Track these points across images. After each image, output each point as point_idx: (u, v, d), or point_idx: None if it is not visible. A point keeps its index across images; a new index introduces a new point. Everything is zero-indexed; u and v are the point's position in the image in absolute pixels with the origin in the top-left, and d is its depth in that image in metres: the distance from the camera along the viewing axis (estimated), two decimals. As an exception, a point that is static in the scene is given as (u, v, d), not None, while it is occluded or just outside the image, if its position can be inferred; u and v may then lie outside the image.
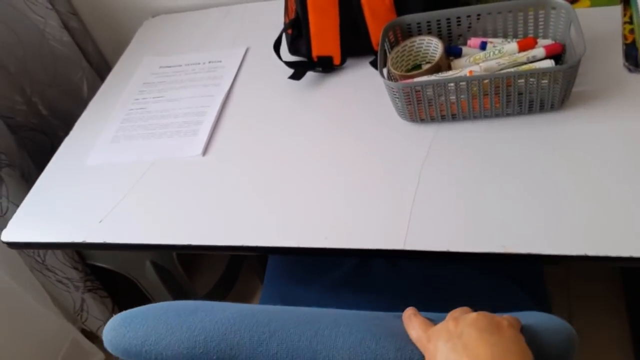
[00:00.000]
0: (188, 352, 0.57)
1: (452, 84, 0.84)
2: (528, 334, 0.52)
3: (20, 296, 1.28)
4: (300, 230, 0.82)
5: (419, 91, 0.85)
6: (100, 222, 0.92)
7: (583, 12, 0.95)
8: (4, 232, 0.96)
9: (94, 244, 0.90)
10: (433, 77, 0.86)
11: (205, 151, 0.97)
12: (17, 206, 1.14)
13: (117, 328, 0.59)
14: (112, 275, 1.35)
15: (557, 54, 0.88)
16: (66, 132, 1.43)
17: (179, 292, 1.37)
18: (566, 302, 1.35)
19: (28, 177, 1.23)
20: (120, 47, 1.45)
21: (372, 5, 0.93)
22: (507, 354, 0.48)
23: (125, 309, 1.50)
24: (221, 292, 1.50)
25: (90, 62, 1.41)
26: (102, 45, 1.46)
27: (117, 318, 0.60)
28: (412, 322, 0.55)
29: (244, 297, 1.55)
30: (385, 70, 0.91)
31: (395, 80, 0.90)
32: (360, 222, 0.80)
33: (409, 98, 0.86)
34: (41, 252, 1.25)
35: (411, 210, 0.80)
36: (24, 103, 1.35)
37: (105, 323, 1.39)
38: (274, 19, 1.18)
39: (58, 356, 1.40)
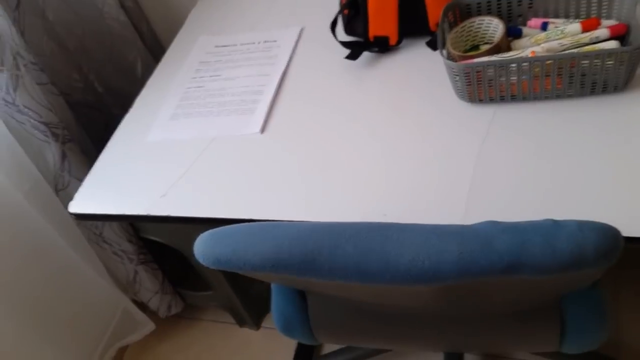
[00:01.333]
0: (274, 257, 0.63)
1: (514, 65, 0.83)
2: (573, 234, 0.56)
3: (78, 266, 1.33)
4: (359, 207, 0.83)
5: (480, 71, 0.85)
6: (162, 196, 0.95)
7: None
8: (71, 203, 1.00)
9: (156, 217, 0.93)
10: (495, 58, 0.86)
11: (263, 129, 0.99)
12: (79, 180, 1.19)
13: (207, 242, 0.67)
14: (163, 248, 1.39)
15: (621, 35, 0.87)
16: (120, 109, 1.47)
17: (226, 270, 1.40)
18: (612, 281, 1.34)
19: (87, 152, 1.27)
20: (173, 26, 1.47)
21: (433, -15, 0.93)
22: None
23: (175, 281, 1.54)
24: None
25: (145, 41, 1.44)
26: (156, 25, 1.49)
27: (206, 234, 0.68)
28: None
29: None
30: (444, 51, 0.91)
31: (454, 60, 0.90)
32: (419, 200, 0.82)
33: (469, 78, 0.86)
34: (99, 224, 1.30)
35: (469, 189, 0.80)
36: (80, 80, 1.39)
37: (155, 294, 1.44)
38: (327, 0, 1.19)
39: (111, 324, 1.46)
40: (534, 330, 0.84)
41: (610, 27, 0.87)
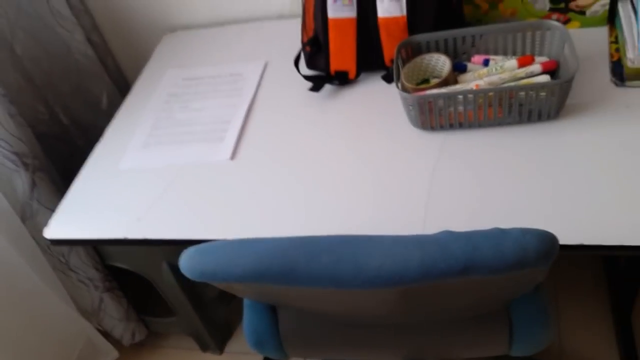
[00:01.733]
0: (254, 268, 0.70)
1: (461, 96, 0.94)
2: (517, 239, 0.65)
3: (43, 294, 1.34)
4: (325, 227, 0.91)
5: (431, 102, 0.95)
6: (138, 220, 1.00)
7: (574, 32, 1.06)
8: (46, 229, 1.03)
9: (134, 240, 0.98)
10: (444, 90, 0.96)
11: (232, 156, 1.06)
12: (48, 208, 1.22)
13: (192, 256, 0.73)
14: (127, 276, 1.42)
15: (552, 70, 0.99)
16: (85, 141, 1.51)
17: (192, 292, 1.44)
18: (552, 290, 1.45)
19: (54, 182, 1.30)
20: (137, 61, 1.54)
21: (388, 26, 1.04)
22: None
23: (140, 308, 1.56)
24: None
25: (110, 75, 1.50)
26: (121, 60, 1.55)
27: (191, 250, 0.74)
28: None
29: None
30: (399, 84, 1.01)
31: (408, 92, 1.00)
32: (382, 219, 0.90)
33: (422, 108, 0.96)
34: (65, 252, 1.32)
35: (426, 206, 0.89)
36: (46, 112, 1.43)
37: (120, 322, 1.46)
38: (287, 37, 1.29)
39: (74, 353, 1.47)
40: (485, 334, 0.93)
41: (542, 63, 0.99)
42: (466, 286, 0.75)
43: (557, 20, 1.11)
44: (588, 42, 1.07)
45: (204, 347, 1.55)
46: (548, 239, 0.67)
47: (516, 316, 0.91)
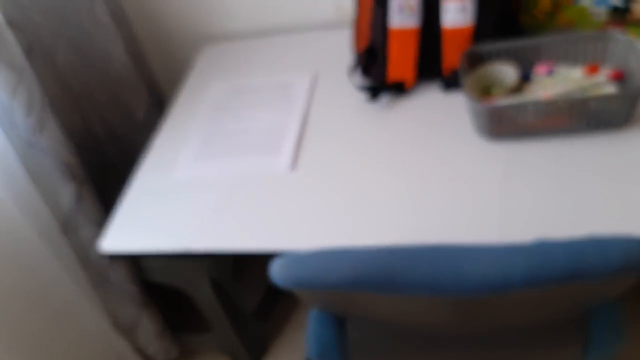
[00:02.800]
0: (352, 275, 0.69)
1: (532, 107, 0.93)
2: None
3: (80, 308, 1.31)
4: (384, 240, 0.89)
5: (503, 111, 0.94)
6: (198, 231, 0.97)
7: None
8: (103, 241, 1.01)
9: (197, 252, 0.95)
10: (517, 100, 0.96)
11: (291, 168, 1.04)
12: (91, 221, 1.19)
13: (285, 266, 0.72)
14: (163, 292, 1.39)
15: (618, 79, 0.99)
16: (118, 153, 1.49)
17: (231, 307, 1.41)
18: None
19: (95, 194, 1.27)
20: (173, 72, 1.52)
21: (452, 35, 1.03)
22: None
23: (175, 326, 1.52)
24: (269, 305, 1.56)
25: (146, 86, 1.48)
26: (157, 71, 1.53)
27: (282, 261, 0.72)
28: None
29: (290, 309, 1.60)
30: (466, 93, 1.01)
31: (474, 100, 0.99)
32: (452, 236, 0.88)
33: (492, 117, 0.95)
34: (104, 266, 1.29)
35: (499, 219, 0.88)
36: (81, 124, 1.40)
37: (156, 339, 1.43)
38: (334, 46, 1.28)
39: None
40: (559, 345, 0.91)
41: (609, 73, 0.99)
42: (557, 294, 0.73)
43: (614, 30, 1.11)
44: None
45: (239, 365, 1.52)
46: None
47: (594, 326, 0.89)
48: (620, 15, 1.10)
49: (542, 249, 0.68)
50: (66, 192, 1.16)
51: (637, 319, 1.38)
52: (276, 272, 0.72)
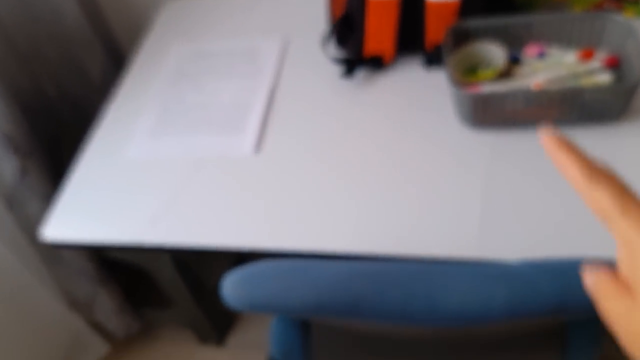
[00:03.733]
0: (314, 301, 0.61)
1: (521, 95, 0.85)
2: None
3: (30, 287, 1.23)
4: (365, 234, 0.82)
5: (488, 99, 0.85)
6: (152, 221, 0.89)
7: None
8: (46, 229, 0.91)
9: (150, 246, 0.87)
10: (505, 88, 0.87)
11: (255, 149, 0.95)
12: (40, 198, 1.10)
13: (238, 285, 0.64)
14: (122, 265, 1.32)
15: (613, 66, 0.90)
16: (74, 116, 1.37)
17: (193, 283, 1.35)
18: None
19: (44, 164, 1.17)
20: (133, 30, 1.39)
21: (437, 9, 0.93)
22: None
23: (136, 300, 1.46)
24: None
25: (103, 44, 1.35)
26: (115, 28, 1.39)
27: (236, 277, 0.64)
28: (600, 179, 0.33)
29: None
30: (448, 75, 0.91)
31: (459, 85, 0.90)
32: (429, 225, 0.81)
33: (476, 105, 0.87)
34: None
35: (480, 217, 0.81)
36: (30, 83, 1.28)
37: (114, 314, 1.36)
38: (311, 7, 1.16)
39: (63, 347, 1.36)
40: (538, 353, 0.87)
41: (604, 59, 0.90)
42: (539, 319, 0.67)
43: (610, 9, 1.01)
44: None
45: (203, 339, 1.47)
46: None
47: (573, 338, 0.84)
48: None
49: (527, 277, 0.61)
50: (8, 166, 1.06)
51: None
52: (228, 292, 0.64)
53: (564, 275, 0.60)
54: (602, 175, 0.33)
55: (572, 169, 0.34)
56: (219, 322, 1.46)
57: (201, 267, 1.38)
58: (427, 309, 0.60)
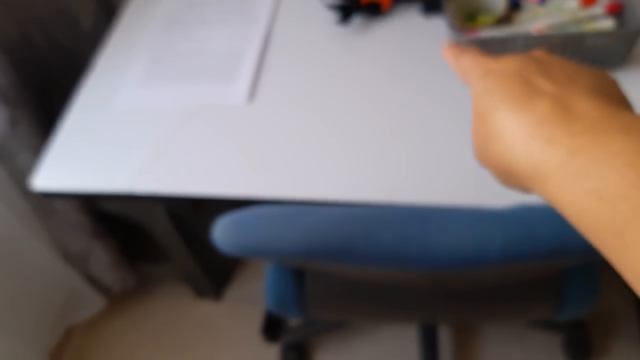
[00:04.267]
0: (305, 244, 0.61)
1: (521, 40, 0.82)
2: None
3: (23, 241, 1.22)
4: (364, 181, 0.81)
5: (488, 44, 0.83)
6: (143, 170, 0.87)
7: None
8: (36, 179, 0.90)
9: (142, 195, 0.86)
10: (504, 33, 0.84)
11: (249, 98, 0.93)
12: (31, 149, 1.08)
13: (230, 230, 0.63)
14: (118, 219, 1.31)
15: (615, 13, 0.88)
16: (64, 66, 1.34)
17: (189, 236, 1.34)
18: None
19: (35, 115, 1.15)
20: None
21: (436, -48, 0.90)
22: (618, 93, 0.33)
23: (132, 254, 1.45)
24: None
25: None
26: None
27: (227, 222, 0.63)
28: (465, 52, 0.39)
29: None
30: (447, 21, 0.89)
31: (458, 30, 0.88)
32: (428, 172, 0.80)
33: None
34: (49, 196, 1.19)
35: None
36: (19, 33, 1.25)
37: (110, 268, 1.36)
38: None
39: (59, 301, 1.37)
40: (534, 302, 0.87)
41: (606, 5, 0.87)
42: (536, 264, 0.67)
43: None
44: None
45: (201, 294, 1.47)
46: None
47: (569, 285, 0.84)
48: None
49: (522, 220, 0.60)
50: (-2, 118, 1.04)
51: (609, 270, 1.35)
52: (219, 235, 0.63)
53: (560, 217, 0.59)
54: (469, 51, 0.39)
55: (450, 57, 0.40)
56: (215, 277, 1.46)
57: (197, 222, 1.37)
58: (422, 251, 0.59)
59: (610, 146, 0.26)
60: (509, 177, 0.32)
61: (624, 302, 1.30)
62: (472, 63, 0.37)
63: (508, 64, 0.34)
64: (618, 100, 0.32)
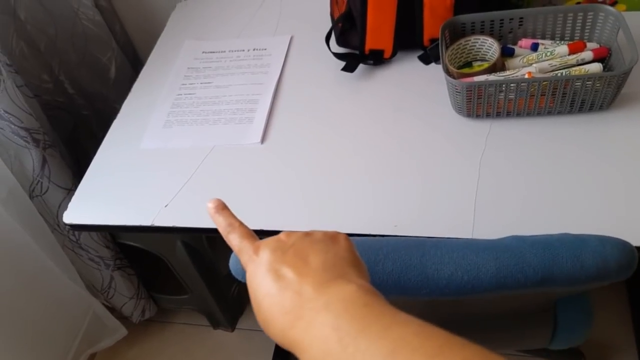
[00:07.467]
0: None
1: (513, 84, 0.89)
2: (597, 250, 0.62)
3: (51, 272, 1.29)
4: (366, 218, 0.87)
5: (482, 89, 0.90)
6: (165, 206, 0.94)
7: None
8: (66, 214, 0.97)
9: (162, 227, 0.93)
10: (496, 77, 0.91)
11: (262, 139, 1.01)
12: (58, 186, 1.16)
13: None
14: (137, 252, 1.38)
15: (603, 57, 0.94)
16: (91, 111, 1.44)
17: (205, 270, 1.40)
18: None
19: (63, 157, 1.23)
20: (147, 29, 1.45)
21: (433, 5, 0.97)
22: (341, 261, 0.46)
23: (152, 286, 1.52)
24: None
25: (118, 43, 1.41)
26: (129, 27, 1.45)
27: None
28: (235, 229, 0.51)
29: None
30: (444, 67, 0.96)
31: (453, 76, 0.95)
32: (427, 211, 0.86)
33: (471, 95, 0.91)
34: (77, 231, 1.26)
35: (475, 200, 0.85)
36: (50, 81, 1.34)
37: (130, 299, 1.42)
38: (313, 7, 1.21)
39: (81, 330, 1.43)
40: (528, 331, 0.91)
41: (594, 50, 0.94)
42: (528, 293, 0.72)
43: (604, 2, 1.06)
44: (636, 27, 1.02)
45: (216, 324, 1.53)
46: (628, 250, 0.64)
47: (563, 314, 0.89)
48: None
49: (515, 250, 0.65)
50: (29, 157, 1.12)
51: (608, 302, 1.39)
52: (234, 266, 0.69)
53: (550, 248, 0.65)
54: (237, 227, 0.52)
55: (221, 226, 0.53)
56: (230, 309, 1.52)
57: (211, 256, 1.43)
58: (421, 279, 0.65)
59: (316, 322, 0.40)
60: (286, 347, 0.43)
61: (623, 332, 1.33)
62: (238, 248, 0.49)
63: (262, 256, 0.46)
64: (341, 268, 0.45)
